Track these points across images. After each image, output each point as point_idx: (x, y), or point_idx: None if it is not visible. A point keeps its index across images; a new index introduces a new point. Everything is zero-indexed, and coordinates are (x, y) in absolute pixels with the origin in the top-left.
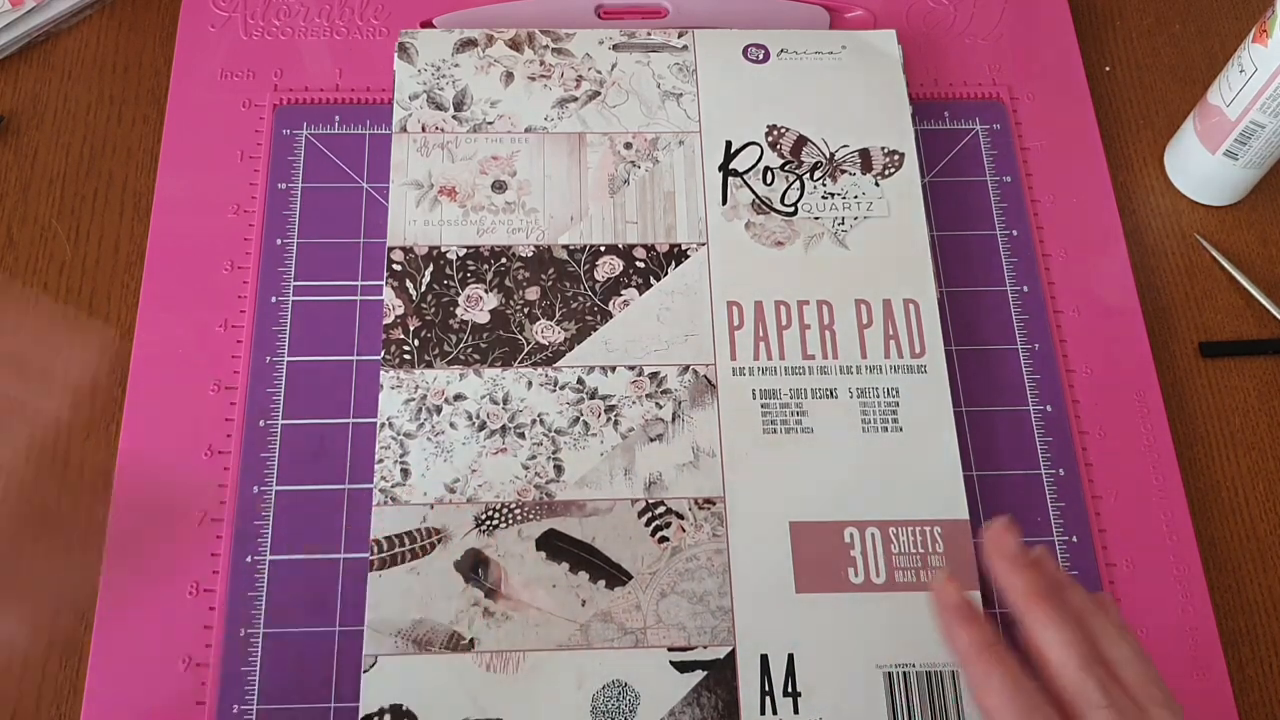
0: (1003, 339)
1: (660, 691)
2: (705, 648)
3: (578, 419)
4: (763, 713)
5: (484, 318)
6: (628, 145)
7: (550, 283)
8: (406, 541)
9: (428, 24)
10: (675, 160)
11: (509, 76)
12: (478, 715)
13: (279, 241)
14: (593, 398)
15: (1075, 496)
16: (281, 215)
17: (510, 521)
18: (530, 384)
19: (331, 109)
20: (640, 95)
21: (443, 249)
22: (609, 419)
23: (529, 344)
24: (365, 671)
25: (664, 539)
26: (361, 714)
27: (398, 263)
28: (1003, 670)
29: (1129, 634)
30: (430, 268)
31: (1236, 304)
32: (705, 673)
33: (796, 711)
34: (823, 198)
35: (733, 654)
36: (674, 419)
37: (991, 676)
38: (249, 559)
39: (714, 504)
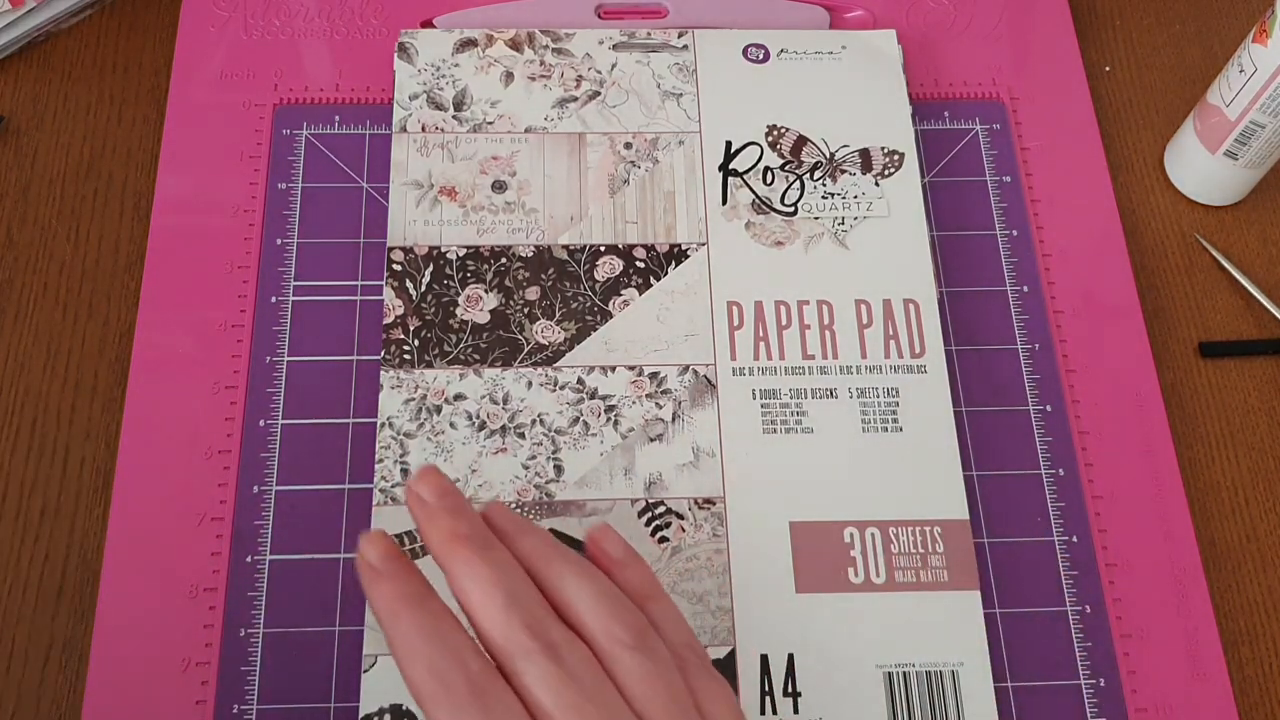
0: (1003, 339)
1: None
2: (705, 647)
3: (578, 419)
4: (762, 713)
5: (484, 318)
6: (628, 145)
7: (550, 283)
8: (406, 541)
9: (428, 24)
10: (675, 160)
11: (509, 76)
12: None
13: (279, 241)
14: (593, 398)
15: (1075, 496)
16: (281, 215)
17: None
18: (530, 384)
19: (331, 109)
20: (640, 95)
21: (443, 249)
22: (609, 419)
23: (529, 344)
24: (365, 671)
25: (664, 539)
26: (361, 714)
27: (398, 263)
28: (418, 620)
29: (605, 574)
30: (430, 268)
31: (1236, 304)
32: None
33: (796, 711)
34: (823, 198)
35: (733, 654)
36: (674, 419)
37: (400, 626)
38: (249, 559)
39: (714, 504)
